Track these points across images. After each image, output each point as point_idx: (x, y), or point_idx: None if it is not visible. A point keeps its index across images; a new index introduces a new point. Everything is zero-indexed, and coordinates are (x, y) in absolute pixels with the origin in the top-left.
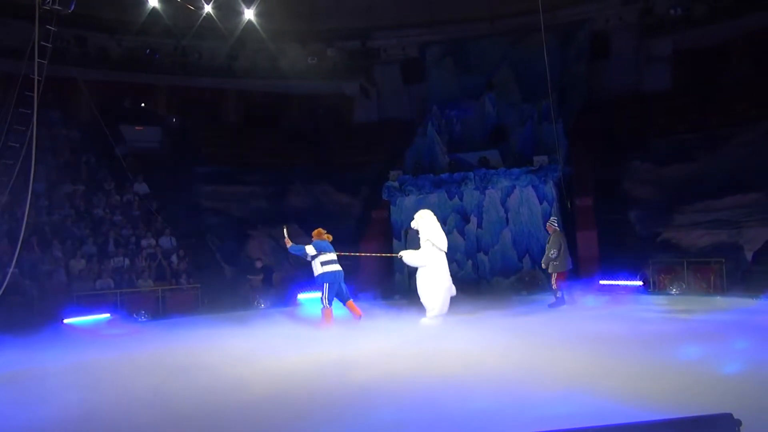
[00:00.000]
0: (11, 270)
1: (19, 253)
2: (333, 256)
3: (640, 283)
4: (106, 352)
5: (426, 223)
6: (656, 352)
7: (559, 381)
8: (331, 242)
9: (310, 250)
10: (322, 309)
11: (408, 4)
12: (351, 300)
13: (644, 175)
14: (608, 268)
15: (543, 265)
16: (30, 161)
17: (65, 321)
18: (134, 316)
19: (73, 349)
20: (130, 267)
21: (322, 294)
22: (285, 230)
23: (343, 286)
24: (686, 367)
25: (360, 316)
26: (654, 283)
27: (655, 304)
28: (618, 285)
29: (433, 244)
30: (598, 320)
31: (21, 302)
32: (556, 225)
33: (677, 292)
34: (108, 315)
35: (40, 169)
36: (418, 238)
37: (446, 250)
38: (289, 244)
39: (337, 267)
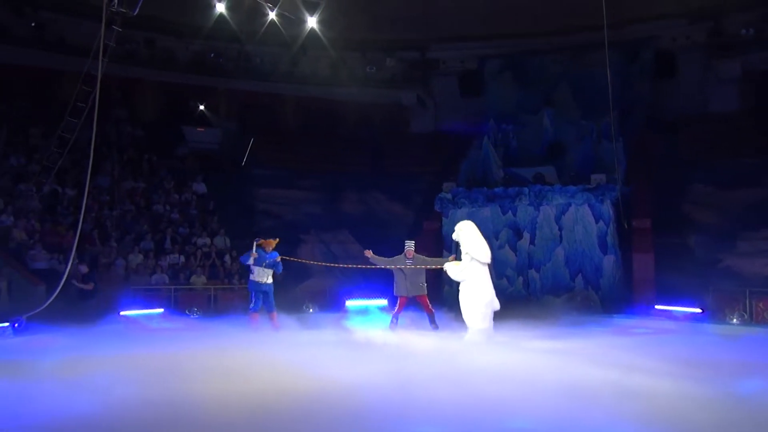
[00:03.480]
0: (71, 261)
1: (79, 246)
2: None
3: (699, 310)
4: (156, 347)
5: (466, 235)
6: (711, 383)
7: (603, 410)
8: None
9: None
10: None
11: (468, 17)
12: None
13: (707, 199)
14: (665, 292)
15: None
16: (97, 156)
17: (121, 313)
18: (186, 312)
19: (126, 341)
20: (185, 264)
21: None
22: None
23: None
24: (743, 401)
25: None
26: (713, 311)
27: (714, 333)
28: (675, 311)
29: (473, 258)
30: (651, 347)
31: (81, 293)
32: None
33: (738, 322)
34: (161, 309)
35: (105, 165)
36: (460, 251)
37: (488, 262)
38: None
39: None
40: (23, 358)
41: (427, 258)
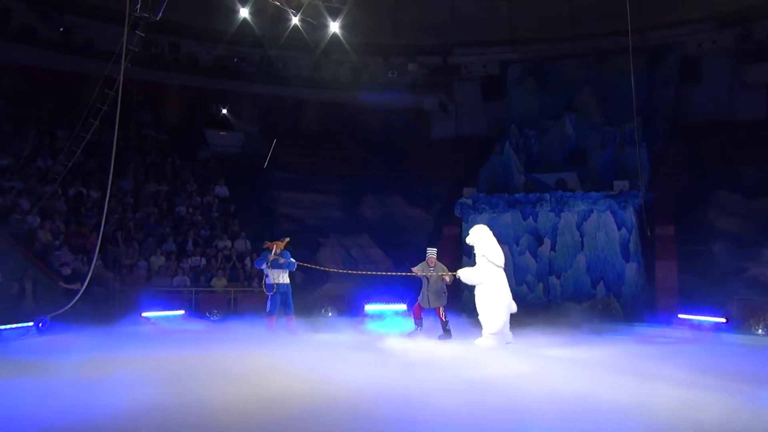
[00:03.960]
0: (94, 262)
1: (101, 247)
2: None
3: (723, 320)
4: (176, 349)
5: (481, 238)
6: (735, 395)
7: (623, 421)
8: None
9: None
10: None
11: (491, 22)
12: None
13: (732, 207)
14: (688, 301)
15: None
16: (120, 159)
17: (143, 314)
18: (207, 314)
19: (146, 342)
20: (206, 267)
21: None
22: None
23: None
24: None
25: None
26: (738, 321)
27: (738, 343)
28: (698, 320)
29: (489, 260)
30: (673, 356)
31: (104, 293)
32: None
33: (763, 333)
34: (182, 311)
35: (129, 168)
36: (474, 255)
37: (502, 265)
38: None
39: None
40: (46, 358)
41: (445, 268)
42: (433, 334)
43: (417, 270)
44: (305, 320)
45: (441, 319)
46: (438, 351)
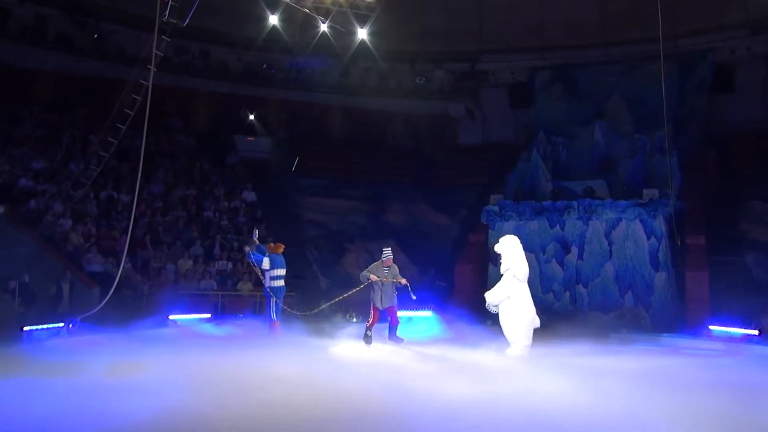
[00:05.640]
0: (123, 265)
1: (129, 250)
2: (284, 272)
3: (756, 332)
4: (199, 353)
5: (510, 250)
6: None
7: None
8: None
9: (265, 264)
10: (270, 322)
11: (519, 29)
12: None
13: (765, 217)
14: (719, 312)
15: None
16: (151, 164)
17: (170, 317)
18: (232, 317)
19: (171, 345)
20: (232, 271)
21: (270, 307)
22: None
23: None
24: None
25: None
26: None
27: None
28: (730, 332)
29: (514, 275)
30: (703, 369)
31: (132, 296)
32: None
33: None
34: (208, 314)
35: (159, 172)
36: (500, 264)
37: (525, 280)
38: (249, 249)
39: (283, 282)
40: (72, 359)
41: (397, 268)
42: (457, 342)
43: (371, 274)
44: (330, 325)
45: (395, 322)
46: (466, 361)
